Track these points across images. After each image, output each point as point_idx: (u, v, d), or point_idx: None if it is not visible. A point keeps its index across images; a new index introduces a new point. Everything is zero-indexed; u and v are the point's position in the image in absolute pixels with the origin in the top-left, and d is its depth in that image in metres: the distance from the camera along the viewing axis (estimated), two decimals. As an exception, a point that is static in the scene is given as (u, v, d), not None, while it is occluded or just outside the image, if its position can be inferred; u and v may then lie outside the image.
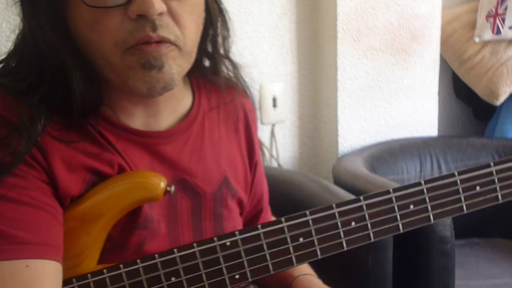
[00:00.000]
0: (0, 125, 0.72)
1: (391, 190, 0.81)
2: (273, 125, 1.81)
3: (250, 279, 0.77)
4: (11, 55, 0.81)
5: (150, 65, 0.73)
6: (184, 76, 0.85)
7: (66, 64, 0.74)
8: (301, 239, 0.78)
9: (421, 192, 0.82)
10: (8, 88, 0.75)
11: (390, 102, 1.85)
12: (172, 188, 0.79)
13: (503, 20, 2.05)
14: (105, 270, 0.74)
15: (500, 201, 0.87)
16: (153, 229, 0.81)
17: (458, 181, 0.84)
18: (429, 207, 0.82)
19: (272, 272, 0.78)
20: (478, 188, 0.85)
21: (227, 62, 0.93)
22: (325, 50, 1.79)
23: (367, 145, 1.83)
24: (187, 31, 0.76)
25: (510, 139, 2.01)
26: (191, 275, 0.75)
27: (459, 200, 0.84)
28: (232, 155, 0.93)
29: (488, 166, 0.85)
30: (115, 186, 0.78)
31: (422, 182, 0.82)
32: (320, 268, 1.37)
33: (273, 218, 1.03)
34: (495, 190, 0.86)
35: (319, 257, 0.79)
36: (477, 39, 2.09)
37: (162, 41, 0.73)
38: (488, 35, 2.07)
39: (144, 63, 0.73)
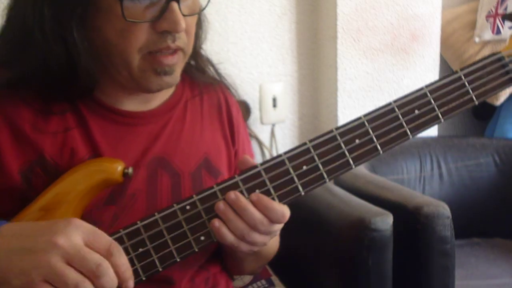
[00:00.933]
0: None
1: (334, 129, 0.82)
2: (273, 125, 1.81)
3: (214, 239, 0.79)
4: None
5: (164, 72, 0.84)
6: None
7: (77, 54, 0.81)
8: (257, 191, 0.80)
9: (363, 125, 0.83)
10: None
11: (390, 102, 1.85)
12: (130, 170, 0.83)
13: (503, 20, 2.05)
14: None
15: (442, 120, 0.88)
16: (124, 203, 0.86)
17: (396, 108, 0.84)
18: (374, 138, 0.83)
19: None
20: (416, 111, 0.86)
21: (205, 60, 1.02)
22: (325, 50, 1.79)
23: (367, 145, 1.83)
24: (191, 38, 0.87)
25: (510, 139, 2.01)
26: (157, 242, 0.77)
27: (401, 125, 0.85)
28: (215, 140, 0.99)
29: (421, 89, 0.86)
30: (73, 174, 0.82)
31: (362, 116, 0.83)
32: (321, 268, 1.37)
33: None
34: (433, 109, 0.87)
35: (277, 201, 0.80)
36: (477, 39, 2.09)
37: (176, 50, 0.84)
38: (488, 35, 2.07)
39: (159, 72, 0.84)
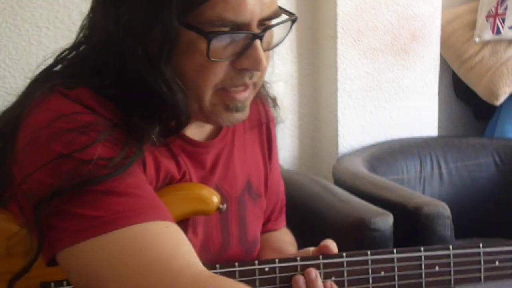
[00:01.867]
0: (103, 123, 0.73)
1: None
2: (273, 125, 1.81)
3: None
4: (85, 57, 0.80)
5: (236, 109, 0.80)
6: None
7: (166, 90, 0.76)
8: (333, 278, 0.82)
9: (448, 256, 0.88)
10: (100, 90, 0.76)
11: (390, 102, 1.85)
12: (224, 206, 0.84)
13: (503, 20, 2.05)
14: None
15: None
16: (192, 231, 0.84)
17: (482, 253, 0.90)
18: (452, 271, 0.87)
19: None
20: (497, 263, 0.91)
21: None
22: (325, 50, 1.79)
23: (367, 145, 1.83)
24: (264, 73, 0.83)
25: (510, 139, 2.01)
26: None
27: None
28: (255, 159, 0.97)
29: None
30: (176, 195, 0.81)
31: (450, 247, 0.88)
32: (320, 268, 1.37)
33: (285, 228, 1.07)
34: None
35: None
36: (477, 39, 2.09)
37: (249, 85, 0.80)
38: (488, 35, 2.07)
39: (231, 108, 0.79)
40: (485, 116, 2.21)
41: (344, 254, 0.83)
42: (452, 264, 0.87)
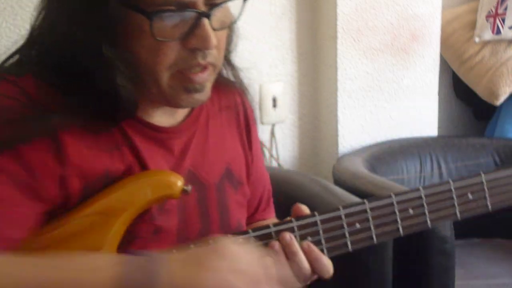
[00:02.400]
0: (29, 106, 0.76)
1: (392, 194, 0.85)
2: (273, 125, 1.81)
3: None
4: (31, 44, 0.83)
5: (195, 90, 0.81)
6: None
7: (113, 75, 0.78)
8: (309, 238, 0.81)
9: (419, 197, 0.86)
10: (44, 77, 0.79)
11: (390, 102, 1.85)
12: (189, 187, 0.83)
13: (503, 20, 2.05)
14: None
15: (490, 209, 0.92)
16: (164, 219, 0.84)
17: (453, 189, 0.88)
18: (427, 212, 0.86)
19: None
20: (470, 195, 0.90)
21: (227, 64, 0.97)
22: (325, 50, 1.79)
23: (367, 145, 1.83)
24: (222, 52, 0.84)
25: (510, 139, 2.01)
26: None
27: (453, 205, 0.89)
28: (235, 148, 0.97)
29: (479, 175, 0.91)
30: (137, 182, 0.81)
31: (420, 188, 0.87)
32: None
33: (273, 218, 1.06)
34: (484, 197, 0.91)
35: (327, 256, 0.82)
36: (477, 39, 2.09)
37: (207, 67, 0.81)
38: (488, 35, 2.07)
39: (190, 89, 0.81)
40: (485, 116, 2.21)
41: (316, 213, 0.83)
42: (425, 205, 0.86)
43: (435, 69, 1.91)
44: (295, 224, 0.82)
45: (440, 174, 1.87)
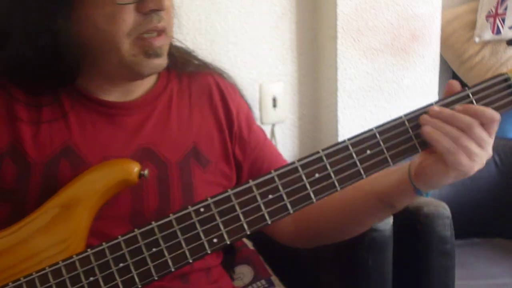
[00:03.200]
0: None
1: (346, 139, 0.85)
2: (273, 125, 1.81)
3: (228, 241, 0.79)
4: None
5: (155, 54, 0.87)
6: None
7: (63, 44, 0.83)
8: (270, 196, 0.80)
9: (374, 136, 0.85)
10: None
11: (390, 102, 1.85)
12: (146, 172, 0.85)
13: (503, 20, 2.05)
14: (89, 249, 0.77)
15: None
16: (114, 197, 0.86)
17: (406, 122, 0.85)
18: (384, 150, 0.84)
19: (248, 232, 0.79)
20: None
21: (185, 50, 1.05)
22: (325, 50, 1.79)
23: (367, 145, 1.83)
24: (171, 18, 0.90)
25: (510, 139, 2.01)
26: (171, 243, 0.78)
27: (411, 139, 0.85)
28: (205, 126, 0.99)
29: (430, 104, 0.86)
30: (91, 173, 0.84)
31: (373, 128, 0.85)
32: (321, 268, 1.37)
33: None
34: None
35: (291, 211, 0.81)
36: (477, 39, 2.09)
37: (162, 30, 0.87)
38: (488, 35, 2.07)
39: (150, 53, 0.86)
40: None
41: (272, 171, 0.81)
42: (381, 143, 0.84)
43: (435, 69, 1.91)
44: (252, 184, 0.80)
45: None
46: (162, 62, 0.89)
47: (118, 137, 0.90)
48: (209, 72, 1.05)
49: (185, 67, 1.03)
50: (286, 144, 1.85)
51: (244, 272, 1.31)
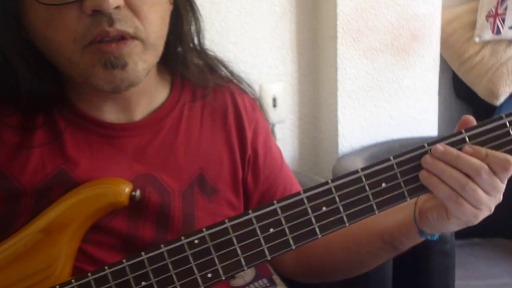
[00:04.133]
0: None
1: (359, 170, 0.76)
2: (273, 125, 1.81)
3: (223, 277, 0.72)
4: None
5: (112, 65, 0.72)
6: (161, 70, 0.86)
7: (13, 62, 0.74)
8: (271, 230, 0.72)
9: (391, 167, 0.75)
10: None
11: (390, 102, 1.84)
12: (138, 193, 0.78)
13: (503, 20, 2.05)
14: (73, 280, 0.72)
15: None
16: (108, 221, 0.80)
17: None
18: (402, 184, 0.75)
19: (245, 268, 0.72)
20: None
21: (213, 59, 0.92)
22: (325, 50, 1.79)
23: (367, 145, 1.83)
24: (148, 22, 0.74)
25: (510, 139, 2.00)
26: (161, 277, 0.72)
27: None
28: (215, 150, 0.89)
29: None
30: (78, 195, 0.77)
31: (391, 157, 0.77)
32: (320, 268, 1.37)
33: None
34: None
35: (293, 247, 0.73)
36: (477, 39, 2.09)
37: (122, 36, 0.72)
38: (488, 35, 2.07)
39: (105, 63, 0.72)
40: (485, 116, 2.20)
41: (275, 202, 0.73)
42: (399, 175, 0.75)
43: (435, 69, 1.90)
44: (252, 215, 0.72)
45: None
46: (126, 75, 0.73)
47: (118, 161, 0.81)
48: (229, 86, 0.94)
49: (203, 79, 0.91)
50: (286, 144, 1.85)
51: (246, 271, 1.30)
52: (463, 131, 0.77)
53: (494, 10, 2.07)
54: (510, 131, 0.75)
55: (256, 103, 0.97)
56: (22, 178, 0.78)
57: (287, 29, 1.77)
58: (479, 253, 1.79)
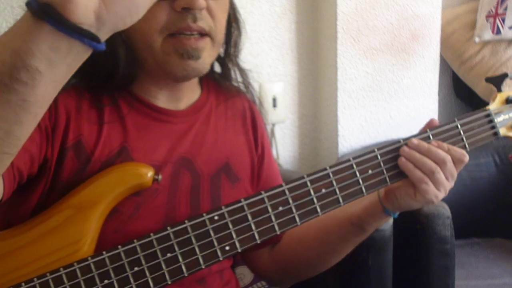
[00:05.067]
0: None
1: (351, 158, 0.89)
2: (273, 125, 1.81)
3: (239, 249, 0.82)
4: None
5: (189, 56, 0.84)
6: None
7: (118, 50, 0.84)
8: (280, 208, 0.84)
9: (376, 157, 0.91)
10: None
11: (390, 102, 1.85)
12: (160, 176, 0.87)
13: (503, 20, 2.05)
14: (104, 252, 0.78)
15: None
16: (147, 196, 0.88)
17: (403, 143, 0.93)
18: (384, 171, 0.90)
19: (258, 241, 0.83)
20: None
21: (236, 68, 1.04)
22: (325, 50, 1.79)
23: (367, 145, 1.83)
24: (219, 24, 0.88)
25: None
26: (185, 249, 0.80)
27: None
28: (238, 145, 1.01)
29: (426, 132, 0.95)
30: (107, 175, 0.84)
31: (375, 149, 0.91)
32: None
33: None
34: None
35: (299, 223, 0.85)
36: (477, 39, 2.09)
37: (200, 32, 0.84)
38: (488, 35, 2.07)
39: (182, 53, 0.84)
40: (485, 116, 2.20)
41: (283, 184, 0.85)
42: (381, 164, 0.90)
43: (435, 69, 1.91)
44: (264, 195, 0.84)
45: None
46: (197, 65, 0.86)
47: (165, 144, 0.91)
48: (244, 97, 1.07)
49: (224, 84, 1.03)
50: (286, 144, 1.85)
51: (245, 273, 1.31)
52: (428, 130, 0.93)
53: (494, 10, 2.07)
54: (461, 131, 0.96)
55: (260, 115, 1.10)
56: (94, 150, 0.86)
57: (287, 29, 1.77)
58: (479, 253, 1.79)
